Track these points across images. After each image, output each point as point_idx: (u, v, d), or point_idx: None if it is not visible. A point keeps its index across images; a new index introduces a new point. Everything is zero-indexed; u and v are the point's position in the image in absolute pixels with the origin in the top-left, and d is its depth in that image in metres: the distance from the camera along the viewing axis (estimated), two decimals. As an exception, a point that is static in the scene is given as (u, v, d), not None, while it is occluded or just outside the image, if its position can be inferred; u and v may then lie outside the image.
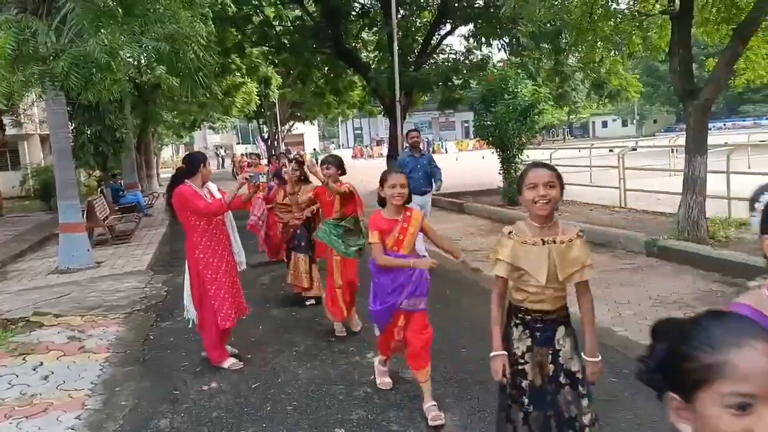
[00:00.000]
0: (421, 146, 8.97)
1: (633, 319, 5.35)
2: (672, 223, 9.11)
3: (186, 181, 4.77)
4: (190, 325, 5.06)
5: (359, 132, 73.29)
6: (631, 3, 10.28)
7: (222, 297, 4.81)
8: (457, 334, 5.22)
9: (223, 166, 51.96)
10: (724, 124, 51.79)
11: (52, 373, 4.91)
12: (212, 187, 4.96)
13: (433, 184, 8.81)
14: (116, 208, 15.33)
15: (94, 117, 13.85)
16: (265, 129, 41.49)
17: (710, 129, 8.73)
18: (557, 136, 63.92)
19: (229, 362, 4.86)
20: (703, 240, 7.67)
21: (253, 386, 4.43)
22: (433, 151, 50.89)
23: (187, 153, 5.68)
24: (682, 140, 20.82)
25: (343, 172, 5.47)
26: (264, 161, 27.43)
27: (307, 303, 6.66)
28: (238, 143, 77.69)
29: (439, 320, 4.60)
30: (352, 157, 53.22)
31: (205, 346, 4.94)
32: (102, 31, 4.60)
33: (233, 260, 5.00)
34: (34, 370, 5.00)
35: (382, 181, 3.80)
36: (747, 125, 50.23)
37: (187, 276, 4.90)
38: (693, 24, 8.51)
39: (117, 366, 5.07)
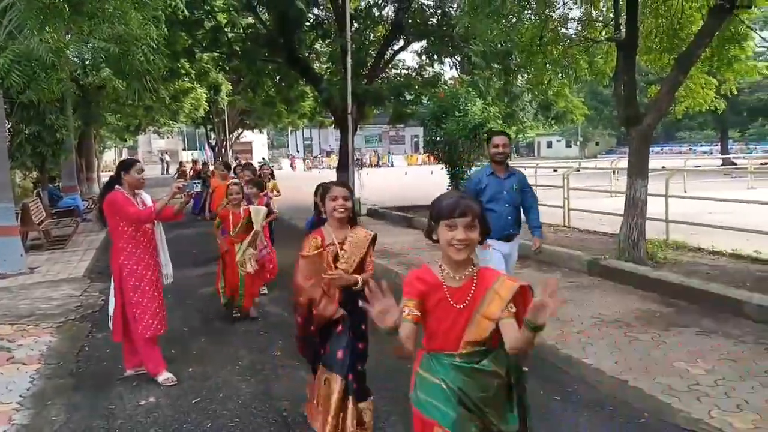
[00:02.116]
0: (508, 161, 5.43)
1: (576, 338, 5.44)
2: (613, 243, 9.38)
3: (117, 187, 4.64)
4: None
5: (309, 142, 72.90)
6: (579, 29, 10.58)
7: (144, 306, 4.63)
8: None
9: (167, 171, 50.73)
10: (662, 149, 54.08)
11: (-23, 385, 4.63)
12: (146, 197, 4.82)
13: (530, 219, 5.54)
14: (53, 212, 14.71)
15: (33, 116, 13.28)
16: (213, 136, 40.84)
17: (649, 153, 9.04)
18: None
19: (163, 376, 4.68)
20: (642, 261, 7.91)
21: (193, 401, 4.28)
22: (371, 165, 51.20)
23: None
24: (623, 163, 21.59)
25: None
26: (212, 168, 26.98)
27: None
28: (184, 149, 76.18)
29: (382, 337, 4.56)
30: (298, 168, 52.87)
31: (142, 356, 4.75)
32: (47, 28, 4.41)
33: (159, 271, 4.83)
34: (-43, 382, 4.71)
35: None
36: (683, 151, 52.57)
37: (112, 284, 4.74)
38: (637, 52, 8.81)
39: (48, 378, 4.82)
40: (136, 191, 4.71)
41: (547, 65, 10.84)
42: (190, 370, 4.94)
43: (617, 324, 5.78)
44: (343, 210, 3.41)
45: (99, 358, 5.31)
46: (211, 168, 16.94)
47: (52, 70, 4.67)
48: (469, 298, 2.23)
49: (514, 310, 2.18)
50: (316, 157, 62.04)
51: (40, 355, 5.37)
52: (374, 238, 3.56)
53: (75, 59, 4.85)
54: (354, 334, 3.45)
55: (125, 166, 4.75)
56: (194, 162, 22.58)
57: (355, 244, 3.45)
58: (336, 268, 3.37)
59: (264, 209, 6.59)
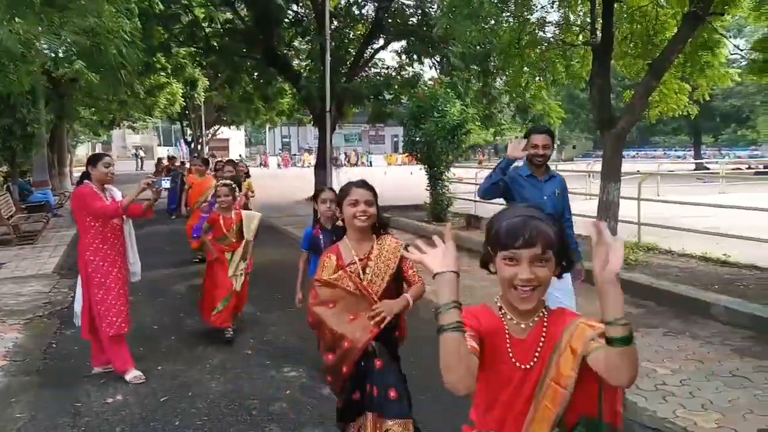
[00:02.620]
0: (547, 163, 4.72)
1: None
2: (587, 245, 9.48)
3: (86, 181, 4.59)
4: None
5: (287, 140, 72.55)
6: (557, 32, 10.69)
7: (108, 303, 4.55)
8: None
9: (142, 167, 50.07)
10: (637, 153, 54.80)
11: (-61, 382, 4.53)
12: (115, 192, 4.76)
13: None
14: (23, 207, 14.45)
15: (4, 109, 13.01)
16: (189, 132, 40.42)
17: (624, 157, 9.17)
18: (483, 156, 65.60)
19: (131, 374, 4.62)
20: (614, 263, 8.00)
21: (161, 400, 4.22)
22: (349, 163, 51.10)
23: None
24: (599, 165, 21.87)
25: None
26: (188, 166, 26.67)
27: None
28: (160, 145, 75.30)
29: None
30: (279, 165, 52.53)
31: (109, 353, 4.66)
32: (16, 19, 4.32)
33: (126, 268, 4.77)
34: None
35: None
36: (657, 155, 53.32)
37: (79, 280, 4.68)
38: (612, 56, 8.94)
39: (14, 375, 4.73)
40: (105, 186, 4.65)
41: (525, 68, 10.94)
42: (159, 368, 4.87)
43: (588, 325, 5.84)
44: (365, 218, 2.82)
45: (66, 356, 5.22)
46: (187, 165, 16.67)
47: (22, 62, 4.58)
48: (537, 354, 1.60)
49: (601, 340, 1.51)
50: (294, 155, 61.69)
51: (5, 351, 5.26)
52: (406, 248, 2.86)
53: (46, 51, 4.75)
54: (395, 361, 2.92)
55: (92, 160, 4.68)
56: (170, 159, 22.22)
57: (383, 257, 2.85)
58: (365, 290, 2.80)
59: (258, 215, 5.88)
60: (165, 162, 22.80)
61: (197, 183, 9.57)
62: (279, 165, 53.06)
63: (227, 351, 5.28)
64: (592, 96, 8.84)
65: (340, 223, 3.40)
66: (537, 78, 12.16)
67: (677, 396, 4.12)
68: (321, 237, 4.19)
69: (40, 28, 4.43)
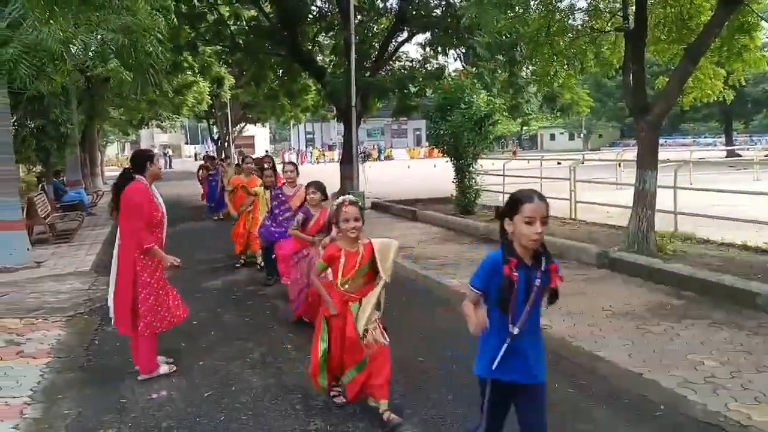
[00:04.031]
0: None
1: (588, 330, 5.41)
2: (621, 235, 9.32)
3: (139, 177, 4.58)
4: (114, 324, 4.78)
5: (311, 136, 72.82)
6: (586, 19, 10.49)
7: (150, 303, 4.57)
8: (413, 342, 5.17)
9: (170, 165, 50.70)
10: (666, 141, 53.84)
11: (-13, 379, 4.61)
12: (155, 191, 4.75)
13: None
14: (58, 206, 14.71)
15: (37, 110, 13.23)
16: (216, 130, 40.78)
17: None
18: (506, 147, 65.11)
19: (163, 369, 4.67)
20: (652, 253, 7.85)
21: (205, 395, 4.25)
22: (374, 158, 50.96)
23: (135, 150, 5.53)
24: (628, 155, 21.49)
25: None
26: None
27: None
28: (187, 143, 76.18)
29: (396, 329, 4.52)
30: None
31: (140, 354, 4.63)
32: (53, 19, 4.36)
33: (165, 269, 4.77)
34: (-33, 376, 4.69)
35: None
36: (687, 143, 52.39)
37: (114, 276, 4.65)
38: (646, 42, 8.74)
39: (58, 372, 4.80)
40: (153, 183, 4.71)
41: (554, 56, 10.76)
42: (201, 363, 4.91)
43: (629, 316, 5.75)
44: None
45: (108, 352, 5.29)
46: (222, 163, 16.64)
47: (61, 61, 4.63)
48: None
49: None
50: (319, 151, 61.86)
51: (49, 348, 5.35)
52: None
53: (83, 50, 4.80)
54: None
55: (151, 156, 4.74)
56: (210, 159, 20.78)
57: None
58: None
59: (395, 243, 3.90)
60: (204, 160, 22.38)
61: (244, 183, 9.19)
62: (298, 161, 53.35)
63: (267, 345, 5.30)
64: (626, 83, 8.67)
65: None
66: (565, 66, 11.97)
67: (728, 389, 4.02)
68: None
69: (77, 27, 4.46)
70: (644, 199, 8.09)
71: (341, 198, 3.83)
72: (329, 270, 3.88)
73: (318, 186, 5.61)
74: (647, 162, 8.14)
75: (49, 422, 3.90)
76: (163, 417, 3.91)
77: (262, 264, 8.19)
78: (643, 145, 8.24)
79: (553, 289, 2.68)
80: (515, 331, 2.61)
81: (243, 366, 4.81)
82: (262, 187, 8.40)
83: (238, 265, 8.84)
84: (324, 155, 57.87)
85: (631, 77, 8.47)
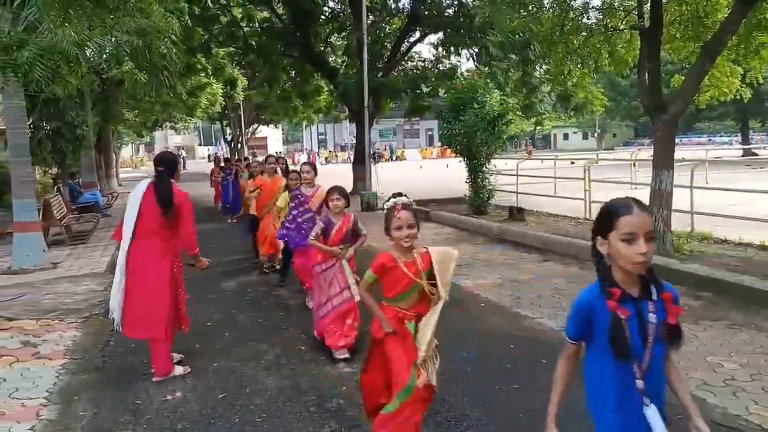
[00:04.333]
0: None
1: (604, 331, 5.35)
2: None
3: (172, 181, 4.71)
4: (119, 329, 4.69)
5: (323, 137, 73.02)
6: (601, 17, 10.41)
7: (185, 303, 4.75)
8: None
9: (185, 167, 50.99)
10: (680, 140, 53.40)
11: (4, 380, 4.64)
12: None
13: None
14: (74, 208, 14.83)
15: (53, 113, 13.38)
16: (229, 131, 40.98)
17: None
18: (520, 147, 64.85)
19: (178, 370, 4.70)
20: (668, 253, 7.77)
21: (220, 396, 4.25)
22: (385, 159, 50.95)
23: (162, 152, 5.58)
24: (643, 154, 21.29)
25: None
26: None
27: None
28: (200, 144, 76.59)
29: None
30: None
31: (161, 356, 4.61)
32: (68, 22, 4.39)
33: None
34: (-16, 377, 4.73)
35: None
36: (702, 142, 51.88)
37: (121, 277, 4.56)
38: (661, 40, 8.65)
39: (74, 373, 4.82)
40: None
41: (568, 55, 10.70)
42: (216, 364, 4.91)
43: (646, 317, 5.67)
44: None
45: (123, 353, 5.30)
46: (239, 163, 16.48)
47: (76, 64, 4.66)
48: None
49: None
50: (330, 152, 62.03)
51: (65, 350, 5.38)
52: None
53: (97, 53, 4.82)
54: None
55: (177, 160, 5.01)
56: (226, 161, 20.19)
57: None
58: None
59: (455, 253, 3.27)
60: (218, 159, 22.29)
61: (267, 184, 8.47)
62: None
63: (281, 347, 5.29)
64: (641, 82, 8.57)
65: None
66: (580, 65, 11.89)
67: (749, 392, 3.96)
68: None
69: (92, 29, 4.49)
70: (660, 198, 8.01)
71: (392, 200, 3.20)
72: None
73: (341, 192, 5.06)
74: (663, 161, 8.05)
75: (64, 424, 3.91)
76: (178, 419, 3.91)
77: (278, 266, 8.11)
78: (659, 144, 8.16)
79: (672, 327, 2.03)
80: (640, 385, 2.03)
81: (257, 367, 4.81)
82: (286, 191, 7.45)
83: (266, 270, 8.44)
84: (336, 155, 57.97)
85: (646, 76, 8.38)
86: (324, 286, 5.13)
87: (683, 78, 10.18)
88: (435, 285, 3.09)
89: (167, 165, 4.72)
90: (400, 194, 3.22)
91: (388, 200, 3.22)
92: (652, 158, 8.33)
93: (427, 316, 3.12)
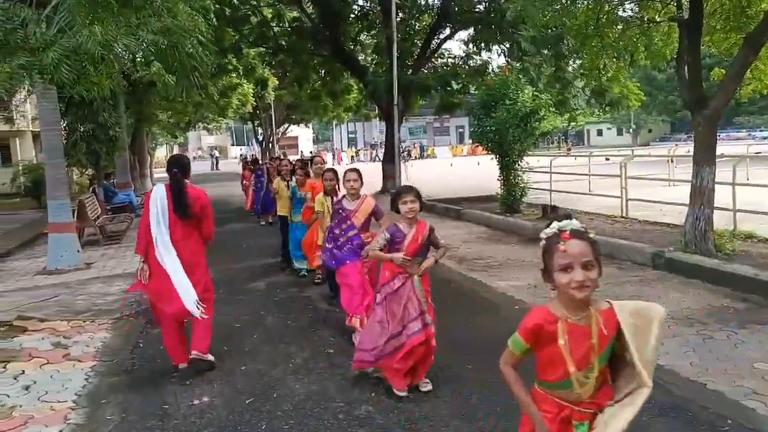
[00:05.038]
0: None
1: (644, 335, 5.13)
2: (676, 234, 8.93)
3: (187, 181, 4.82)
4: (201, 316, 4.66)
5: (353, 135, 73.08)
6: (637, 9, 10.10)
7: None
8: (456, 348, 4.99)
9: (217, 167, 51.58)
10: (719, 135, 52.02)
11: (34, 382, 4.65)
12: None
13: None
14: (108, 208, 15.04)
15: (87, 114, 13.58)
16: (260, 131, 41.27)
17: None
18: (552, 144, 63.96)
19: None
20: (710, 253, 7.47)
21: (247, 402, 4.17)
22: (415, 157, 50.70)
23: (175, 154, 5.65)
24: (681, 150, 20.70)
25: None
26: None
27: None
28: (233, 144, 77.46)
29: (439, 334, 4.36)
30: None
31: (209, 333, 4.82)
32: (95, 23, 4.37)
33: None
34: (15, 379, 4.74)
35: None
36: (741, 136, 50.41)
37: (181, 273, 4.60)
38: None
39: (103, 376, 4.80)
40: None
41: (603, 49, 10.41)
42: (243, 368, 4.85)
43: (688, 321, 5.44)
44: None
45: (152, 356, 5.28)
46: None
47: (102, 65, 4.65)
48: None
49: None
50: (359, 150, 62.07)
51: (95, 351, 5.38)
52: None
53: (125, 54, 4.81)
54: None
55: (190, 162, 5.11)
56: (253, 161, 19.58)
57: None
58: None
59: (661, 312, 2.11)
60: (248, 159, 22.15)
61: (318, 187, 7.00)
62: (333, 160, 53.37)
63: (309, 350, 5.20)
64: (681, 75, 8.27)
65: None
66: (616, 59, 11.57)
67: (803, 401, 3.72)
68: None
69: (119, 30, 4.46)
70: (701, 196, 7.71)
71: (555, 225, 2.09)
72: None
73: (416, 194, 4.14)
74: (704, 157, 7.75)
75: (92, 428, 3.88)
76: (205, 424, 3.84)
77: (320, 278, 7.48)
78: (699, 140, 7.85)
79: None
80: None
81: (285, 371, 4.72)
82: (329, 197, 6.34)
83: (317, 280, 7.58)
84: (357, 154, 57.92)
85: (686, 69, 8.08)
86: (398, 310, 4.07)
87: (724, 71, 9.83)
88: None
89: (181, 166, 4.80)
90: (568, 216, 2.13)
91: (548, 224, 2.12)
92: (690, 154, 8.04)
93: (611, 412, 2.03)
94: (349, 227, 5.29)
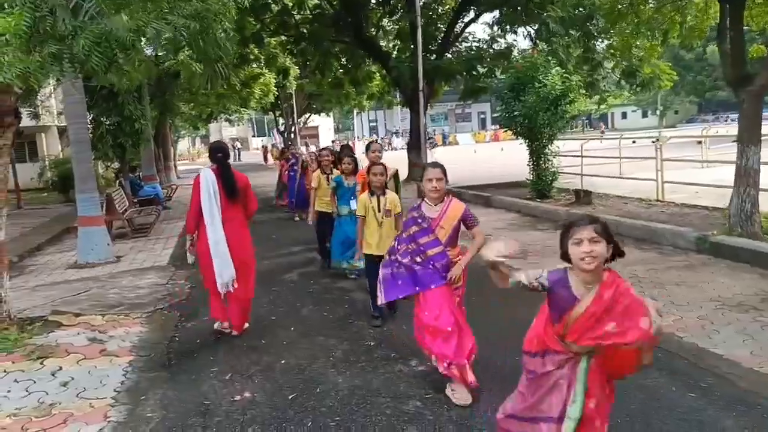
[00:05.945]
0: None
1: (697, 324, 4.91)
2: (717, 217, 8.66)
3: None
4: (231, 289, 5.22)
5: (374, 124, 72.76)
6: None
7: None
8: (491, 336, 4.80)
9: (239, 158, 51.76)
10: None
11: (72, 379, 4.57)
12: None
13: None
14: (135, 201, 15.06)
15: (112, 108, 13.55)
16: (281, 121, 41.21)
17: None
18: (576, 127, 63.05)
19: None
20: (757, 236, 7.19)
21: (290, 397, 4.04)
22: (444, 144, 50.18)
23: (216, 141, 5.93)
24: (714, 130, 20.15)
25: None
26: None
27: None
28: (254, 136, 77.67)
29: (474, 323, 4.19)
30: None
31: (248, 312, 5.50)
32: (124, 8, 4.24)
33: None
34: (53, 375, 4.67)
35: None
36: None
37: (225, 250, 5.16)
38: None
39: (142, 371, 4.71)
40: None
41: (637, 27, 10.08)
42: (283, 362, 4.72)
43: (742, 307, 5.20)
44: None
45: (190, 350, 5.18)
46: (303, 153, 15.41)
47: (133, 51, 4.53)
48: None
49: None
50: (381, 138, 61.74)
51: (131, 346, 5.30)
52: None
53: (155, 38, 4.67)
54: None
55: (228, 148, 5.81)
56: (282, 150, 18.91)
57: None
58: None
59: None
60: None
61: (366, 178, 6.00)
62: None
63: (349, 342, 5.07)
64: (723, 51, 7.95)
65: None
66: (649, 37, 11.21)
67: None
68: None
69: (149, 13, 4.33)
70: (747, 177, 7.42)
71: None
72: None
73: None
74: (750, 136, 7.44)
75: (132, 426, 3.78)
76: (248, 421, 3.72)
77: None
78: (745, 117, 7.54)
79: None
80: None
81: (326, 365, 4.59)
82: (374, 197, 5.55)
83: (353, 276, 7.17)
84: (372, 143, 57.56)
85: (728, 45, 7.75)
86: (540, 393, 2.71)
87: (765, 47, 9.45)
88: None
89: (224, 152, 5.39)
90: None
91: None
92: (725, 134, 7.72)
93: None
94: (431, 243, 3.97)
